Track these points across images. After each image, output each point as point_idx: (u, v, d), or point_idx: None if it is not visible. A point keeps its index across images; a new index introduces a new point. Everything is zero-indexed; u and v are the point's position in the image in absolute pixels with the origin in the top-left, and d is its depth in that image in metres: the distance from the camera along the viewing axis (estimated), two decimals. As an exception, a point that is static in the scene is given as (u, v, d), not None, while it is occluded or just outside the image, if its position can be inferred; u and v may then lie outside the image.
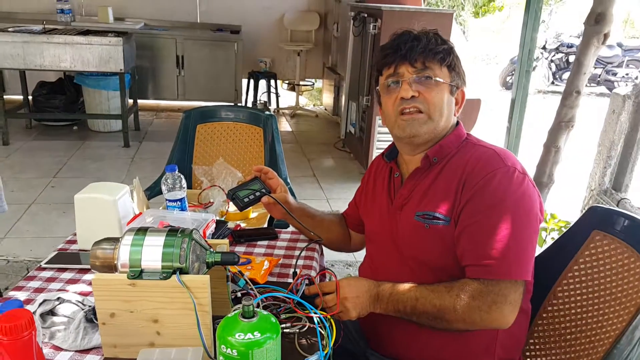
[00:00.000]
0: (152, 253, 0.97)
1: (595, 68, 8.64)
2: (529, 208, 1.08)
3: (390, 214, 1.23)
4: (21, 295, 1.22)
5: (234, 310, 0.90)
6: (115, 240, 1.00)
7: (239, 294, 1.17)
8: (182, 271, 0.96)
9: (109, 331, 0.99)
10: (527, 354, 1.36)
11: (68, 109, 4.96)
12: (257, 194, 1.38)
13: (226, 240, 1.11)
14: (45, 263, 1.35)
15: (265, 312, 0.91)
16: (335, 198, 3.80)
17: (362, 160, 4.40)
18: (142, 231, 1.00)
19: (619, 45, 8.83)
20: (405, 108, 1.15)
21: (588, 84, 8.61)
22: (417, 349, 1.18)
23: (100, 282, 0.96)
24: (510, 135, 3.18)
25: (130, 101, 5.15)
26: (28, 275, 1.32)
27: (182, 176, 1.51)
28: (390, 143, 1.31)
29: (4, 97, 4.49)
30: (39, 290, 1.25)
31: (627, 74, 8.61)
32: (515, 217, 1.06)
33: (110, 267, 0.99)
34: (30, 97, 4.98)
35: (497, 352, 1.17)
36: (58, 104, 4.91)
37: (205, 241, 1.07)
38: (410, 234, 1.17)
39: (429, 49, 1.14)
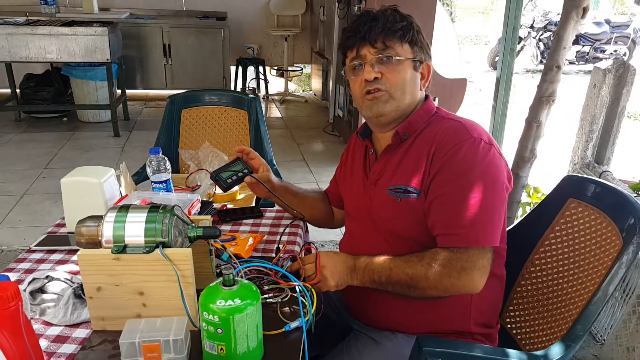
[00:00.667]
0: (135, 229, 1.00)
1: (584, 46, 8.66)
2: (495, 177, 1.12)
3: (366, 189, 1.27)
4: (12, 276, 1.25)
5: (217, 280, 0.93)
6: (99, 218, 1.03)
7: (222, 269, 1.20)
8: (165, 245, 0.99)
9: (96, 304, 1.02)
10: (508, 320, 1.41)
11: (56, 100, 4.95)
12: (240, 174, 1.40)
13: (209, 216, 1.14)
14: (35, 245, 1.38)
15: (245, 281, 0.94)
16: (324, 181, 3.84)
17: (351, 143, 4.42)
18: (125, 208, 1.03)
19: (607, 22, 8.84)
20: (369, 89, 1.18)
21: (576, 62, 8.63)
22: (396, 317, 1.23)
23: (85, 257, 0.99)
24: (496, 114, 3.20)
25: (119, 91, 5.14)
26: (18, 257, 1.34)
27: (166, 158, 1.53)
28: (364, 122, 1.34)
29: (-9, 90, 4.48)
30: (29, 271, 1.28)
31: (615, 51, 8.63)
32: (482, 186, 1.10)
33: (95, 243, 1.02)
34: (18, 90, 4.95)
35: (473, 316, 1.21)
36: (46, 96, 4.89)
37: (188, 217, 1.09)
38: (384, 207, 1.21)
39: (387, 27, 1.16)
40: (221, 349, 0.90)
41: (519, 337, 1.37)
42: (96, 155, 4.18)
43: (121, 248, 0.98)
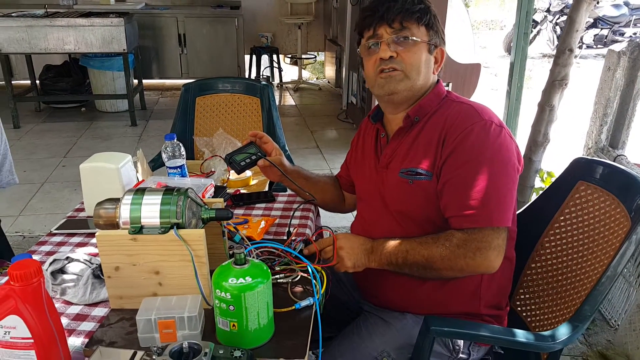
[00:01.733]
0: (151, 210, 1.03)
1: (602, 29, 8.46)
2: (506, 159, 1.13)
3: (377, 172, 1.29)
4: (35, 258, 1.30)
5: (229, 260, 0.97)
6: (116, 201, 1.07)
7: (235, 249, 1.23)
8: (179, 226, 1.03)
9: (114, 284, 1.06)
10: (518, 302, 1.42)
11: (75, 90, 5.03)
12: (253, 157, 1.42)
13: (221, 199, 1.18)
14: (56, 229, 1.43)
15: (256, 261, 0.97)
16: (337, 168, 3.79)
17: (365, 130, 4.42)
18: (141, 191, 1.07)
19: (626, 4, 8.61)
20: (383, 68, 1.19)
21: (595, 46, 8.44)
22: (406, 298, 1.25)
23: (104, 238, 1.03)
24: (510, 99, 3.17)
25: (135, 81, 5.21)
26: (40, 240, 1.40)
27: (180, 144, 1.57)
28: (376, 104, 1.36)
29: (12, 82, 4.57)
30: (50, 253, 1.33)
31: (635, 34, 8.42)
32: (493, 168, 1.11)
33: (112, 224, 1.06)
34: (37, 81, 5.05)
35: (483, 297, 1.23)
36: (65, 87, 4.98)
37: (201, 199, 1.13)
38: (396, 190, 1.23)
39: (406, 8, 1.17)
40: (233, 325, 0.93)
41: (528, 319, 1.39)
42: (114, 144, 4.26)
43: (138, 229, 1.02)
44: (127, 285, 1.06)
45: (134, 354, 0.91)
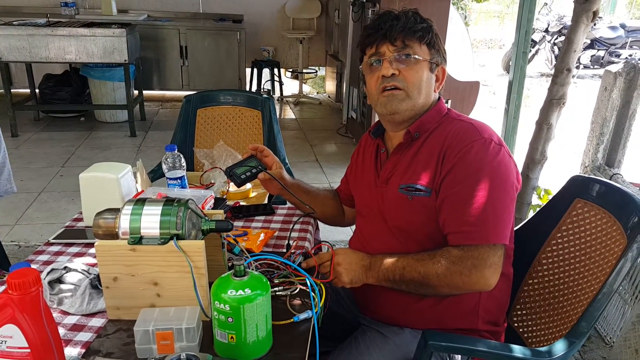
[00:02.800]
0: (151, 221, 1.03)
1: (599, 50, 8.56)
2: (505, 176, 1.14)
3: (377, 188, 1.29)
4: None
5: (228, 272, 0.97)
6: (116, 211, 1.07)
7: (234, 260, 1.23)
8: (179, 237, 1.03)
9: (112, 294, 1.06)
10: (515, 318, 1.42)
11: (74, 100, 5.04)
12: (254, 170, 1.43)
13: (221, 211, 1.18)
14: (53, 238, 1.43)
15: (256, 272, 0.97)
16: (337, 182, 3.82)
17: (364, 145, 4.44)
18: (141, 201, 1.07)
19: (622, 26, 8.73)
20: (385, 86, 1.21)
21: (591, 66, 8.54)
22: (404, 313, 1.25)
23: (103, 248, 1.03)
24: (508, 117, 3.20)
25: (136, 92, 5.23)
26: (37, 249, 1.39)
27: (181, 155, 1.57)
28: (377, 120, 1.37)
29: (12, 90, 4.58)
30: (47, 263, 1.32)
31: (630, 55, 8.53)
32: (492, 186, 1.12)
33: (112, 235, 1.06)
34: (37, 90, 5.06)
35: (481, 314, 1.23)
36: (65, 96, 5.00)
37: (202, 211, 1.13)
38: (396, 206, 1.23)
39: (408, 27, 1.19)
40: (231, 337, 0.93)
41: (525, 335, 1.38)
42: (113, 155, 4.26)
43: (137, 239, 1.02)
44: (125, 296, 1.06)
45: (131, 365, 0.90)
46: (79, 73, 5.06)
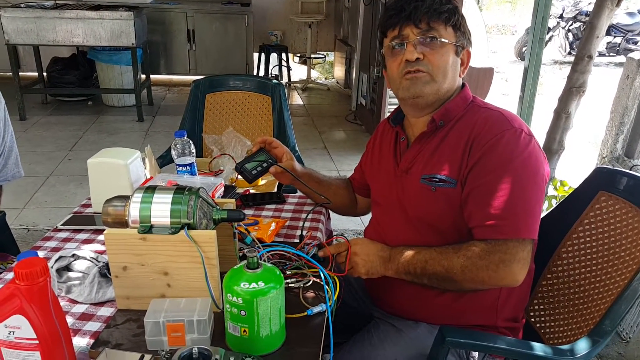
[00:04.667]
0: (161, 209, 1.00)
1: (615, 37, 8.39)
2: (535, 169, 1.09)
3: (396, 177, 1.25)
4: (39, 254, 1.28)
5: (241, 263, 0.93)
6: (126, 198, 1.04)
7: (246, 252, 1.20)
8: (190, 226, 1.00)
9: (121, 284, 1.03)
10: (532, 313, 1.39)
11: (82, 84, 5.02)
12: (264, 164, 1.38)
13: (232, 200, 1.14)
14: (61, 224, 1.40)
15: (269, 265, 0.94)
16: (345, 169, 3.82)
17: (372, 131, 4.38)
18: (151, 189, 1.04)
19: (640, 12, 8.56)
20: (409, 70, 1.15)
21: (607, 53, 8.38)
22: (421, 307, 1.21)
23: (112, 236, 1.00)
24: (523, 105, 3.14)
25: (143, 76, 5.18)
26: (45, 236, 1.37)
27: (190, 141, 1.54)
28: (396, 107, 1.32)
29: (20, 73, 4.56)
30: (55, 249, 1.30)
31: (649, 43, 8.36)
32: (522, 178, 1.07)
33: (121, 223, 1.03)
34: (45, 73, 5.03)
35: (500, 310, 1.19)
36: (72, 79, 4.96)
37: (213, 200, 1.10)
38: (417, 196, 1.19)
39: (434, 8, 1.13)
40: (244, 330, 0.90)
41: (542, 331, 1.35)
42: (120, 139, 4.24)
43: (147, 228, 0.99)
44: (135, 286, 1.03)
45: (142, 358, 0.88)
46: (87, 56, 5.02)
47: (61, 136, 4.24)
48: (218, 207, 1.07)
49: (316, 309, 1.03)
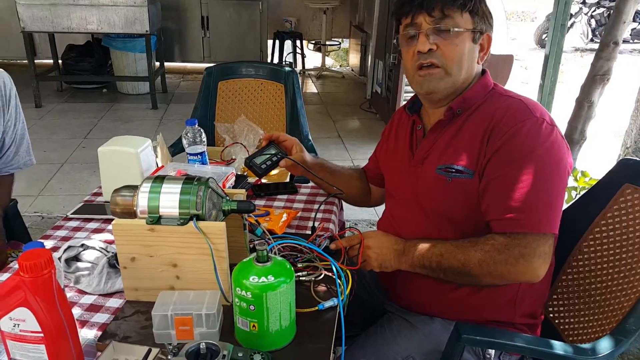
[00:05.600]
0: (170, 200, 0.98)
1: (640, 23, 8.16)
2: (558, 159, 1.04)
3: (411, 167, 1.21)
4: (48, 244, 1.27)
5: (250, 256, 0.91)
6: (134, 188, 1.01)
7: (256, 245, 1.18)
8: (199, 218, 0.98)
9: (130, 275, 1.01)
10: (550, 309, 1.34)
11: (97, 71, 5.03)
12: (274, 158, 1.35)
13: (243, 190, 1.12)
14: (72, 213, 1.39)
15: (279, 258, 0.91)
16: (359, 159, 3.78)
17: (387, 120, 4.31)
18: (160, 179, 1.01)
19: (666, -2, 8.28)
20: (422, 63, 1.10)
21: (631, 40, 8.15)
22: (437, 301, 1.18)
23: (120, 227, 0.98)
24: (543, 93, 3.06)
25: (157, 63, 5.17)
26: (55, 225, 1.36)
27: (202, 130, 1.51)
28: (413, 94, 1.28)
29: (35, 61, 4.57)
30: (65, 238, 1.29)
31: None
32: (544, 169, 1.02)
33: (130, 213, 1.01)
34: (60, 61, 5.05)
35: (519, 305, 1.15)
36: (87, 67, 4.98)
37: (223, 190, 1.07)
38: (432, 188, 1.14)
39: None
40: (253, 325, 0.88)
41: (561, 327, 1.31)
42: (134, 127, 4.24)
43: (155, 219, 0.97)
44: (144, 277, 1.01)
45: (149, 352, 0.86)
46: (101, 44, 5.02)
47: (76, 124, 4.26)
48: (228, 197, 1.04)
49: (328, 304, 1.00)
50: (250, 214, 1.07)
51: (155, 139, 1.62)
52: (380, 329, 1.22)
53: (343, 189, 1.42)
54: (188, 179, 1.01)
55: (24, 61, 4.67)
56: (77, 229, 1.33)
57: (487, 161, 1.06)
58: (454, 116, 1.13)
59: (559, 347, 1.03)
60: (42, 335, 0.77)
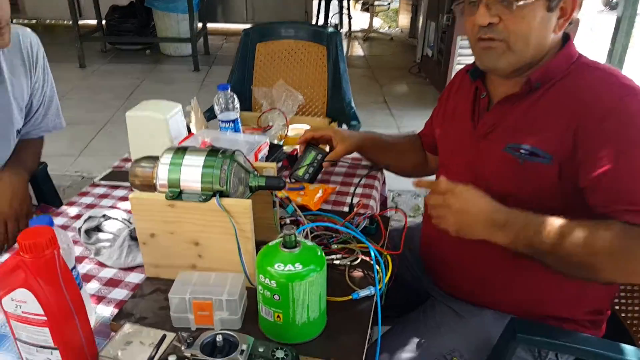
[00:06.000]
0: (191, 173, 0.89)
1: None
2: None
3: (472, 140, 1.05)
4: (73, 210, 1.22)
5: (278, 238, 0.81)
6: (155, 159, 0.93)
7: (287, 221, 1.08)
8: (223, 194, 0.88)
9: (149, 251, 0.94)
10: (618, 304, 1.19)
11: (140, 32, 5.00)
12: (315, 163, 1.29)
13: (273, 164, 1.01)
14: (99, 180, 1.34)
15: (309, 243, 0.81)
16: (406, 126, 3.60)
17: (439, 85, 4.10)
18: (182, 150, 0.92)
19: None
20: (482, 37, 0.94)
21: None
22: (489, 291, 1.05)
23: (138, 201, 0.90)
24: (612, 59, 2.79)
25: (200, 25, 5.09)
26: (82, 191, 1.31)
27: (234, 95, 1.41)
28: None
29: (79, 22, 4.58)
30: (90, 206, 1.24)
31: None
32: None
33: (149, 186, 0.92)
34: (103, 22, 5.05)
35: (584, 300, 1.01)
36: (130, 28, 4.96)
37: (250, 164, 0.97)
38: (498, 168, 0.99)
39: None
40: (278, 316, 0.79)
41: (628, 322, 1.16)
42: (177, 89, 4.20)
43: (176, 194, 0.88)
44: (164, 254, 0.94)
45: (163, 337, 0.78)
46: (144, 4, 4.96)
47: (119, 84, 4.26)
48: (256, 172, 0.94)
49: (363, 293, 0.89)
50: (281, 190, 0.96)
51: (190, 103, 1.54)
52: (423, 316, 1.11)
53: (396, 162, 1.31)
54: (212, 151, 0.91)
55: (69, 22, 4.69)
56: (103, 196, 1.28)
57: (577, 146, 0.88)
58: (530, 90, 0.96)
59: (632, 353, 0.89)
60: (45, 318, 0.70)
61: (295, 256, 0.77)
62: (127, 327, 0.81)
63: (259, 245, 0.92)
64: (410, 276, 1.24)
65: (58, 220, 1.17)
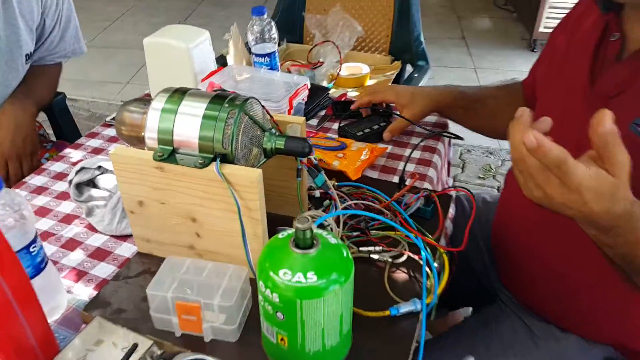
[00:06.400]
0: (188, 124, 0.66)
1: None
2: None
3: (585, 100, 0.72)
4: (76, 155, 1.05)
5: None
6: (147, 103, 0.71)
7: (317, 193, 0.84)
8: (226, 159, 0.65)
9: (138, 222, 0.75)
10: None
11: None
12: (375, 127, 1.06)
13: (301, 119, 0.75)
14: (111, 119, 1.15)
15: (333, 241, 0.57)
16: (485, 68, 3.16)
17: (528, 22, 3.55)
18: (180, 93, 0.69)
19: None
20: None
21: None
22: (577, 310, 0.78)
23: (119, 158, 0.69)
24: None
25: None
26: (90, 132, 1.13)
27: (272, 22, 1.15)
28: None
29: None
30: (97, 150, 1.06)
31: None
32: None
33: (138, 138, 0.71)
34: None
35: None
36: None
37: (271, 117, 0.72)
38: None
39: None
40: (282, 339, 0.57)
41: None
42: (233, 13, 3.92)
43: (167, 153, 0.67)
44: (156, 228, 0.74)
45: (134, 347, 0.60)
46: None
47: (175, 7, 4.05)
48: (274, 130, 0.70)
49: (405, 308, 0.66)
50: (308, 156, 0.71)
51: (230, 31, 1.30)
52: (484, 330, 0.87)
53: (490, 123, 1.01)
54: (217, 98, 0.67)
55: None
56: (113, 140, 1.09)
57: None
58: None
59: None
60: (-28, 318, 0.53)
61: (310, 260, 0.54)
62: (99, 323, 0.64)
63: (281, 221, 0.70)
64: (479, 264, 0.99)
65: (58, 167, 1.00)
